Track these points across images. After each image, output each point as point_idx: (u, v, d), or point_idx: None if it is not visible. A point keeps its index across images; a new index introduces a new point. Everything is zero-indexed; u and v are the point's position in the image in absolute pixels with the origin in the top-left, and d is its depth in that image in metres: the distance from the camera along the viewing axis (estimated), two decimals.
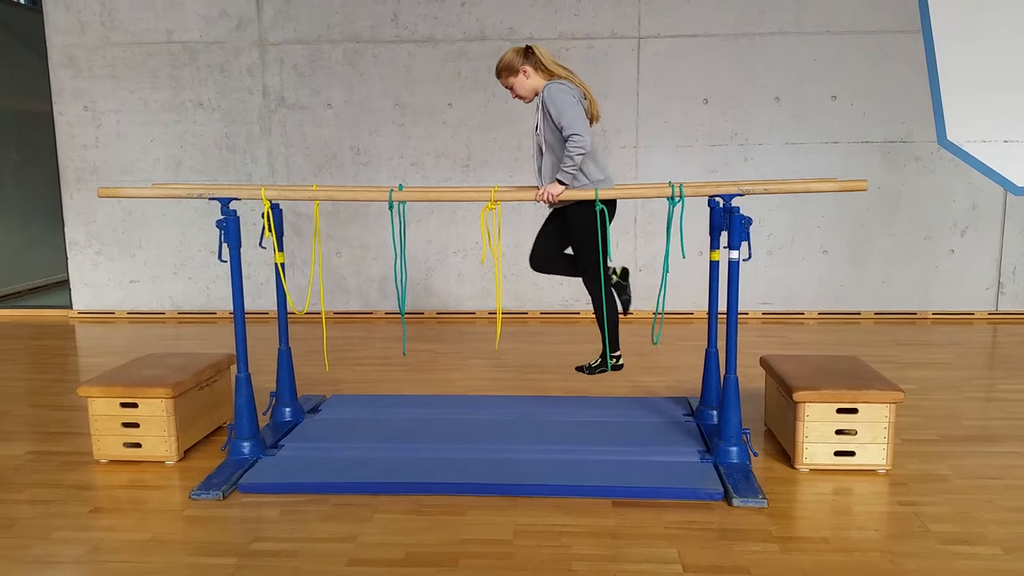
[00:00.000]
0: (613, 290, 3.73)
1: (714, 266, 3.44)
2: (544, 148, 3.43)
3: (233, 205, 3.27)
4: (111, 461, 3.38)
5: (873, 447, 3.17)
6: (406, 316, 6.43)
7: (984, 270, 6.24)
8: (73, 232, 6.65)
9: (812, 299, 6.38)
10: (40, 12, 6.44)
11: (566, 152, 3.28)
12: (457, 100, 6.27)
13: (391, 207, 3.37)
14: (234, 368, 3.49)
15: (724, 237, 3.24)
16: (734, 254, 3.12)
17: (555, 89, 3.34)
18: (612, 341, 3.62)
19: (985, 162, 5.93)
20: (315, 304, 6.27)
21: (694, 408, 3.82)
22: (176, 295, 6.68)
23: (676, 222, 3.25)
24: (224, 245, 3.27)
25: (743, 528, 2.73)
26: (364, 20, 6.21)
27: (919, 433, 3.64)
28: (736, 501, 2.89)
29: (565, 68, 3.47)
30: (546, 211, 3.75)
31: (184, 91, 6.40)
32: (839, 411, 3.16)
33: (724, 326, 3.24)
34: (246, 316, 3.38)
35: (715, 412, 3.61)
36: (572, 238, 3.56)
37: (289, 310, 3.76)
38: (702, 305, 6.05)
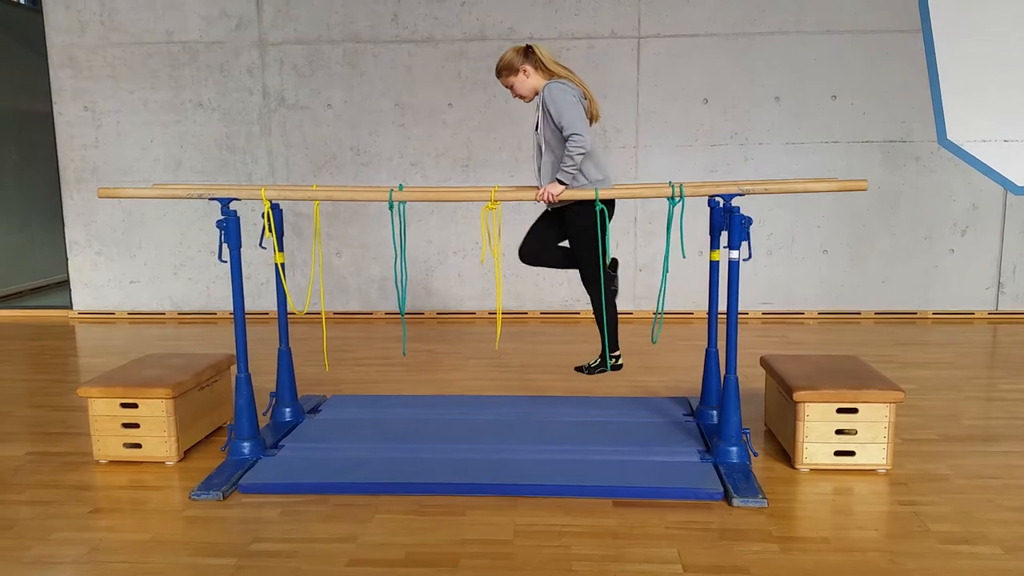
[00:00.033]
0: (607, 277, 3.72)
1: (714, 266, 3.44)
2: (543, 147, 3.43)
3: (233, 205, 3.27)
4: (111, 462, 3.38)
5: (873, 447, 3.16)
6: (406, 316, 6.43)
7: (984, 270, 6.24)
8: (73, 232, 6.65)
9: (812, 299, 6.38)
10: (40, 12, 6.44)
11: (566, 152, 3.28)
12: (457, 100, 6.27)
13: (391, 207, 3.37)
14: (234, 368, 3.49)
15: (724, 237, 3.24)
16: (734, 254, 3.12)
17: (555, 88, 3.34)
18: (611, 341, 3.61)
19: (985, 162, 5.93)
20: (315, 304, 6.27)
21: (694, 408, 3.82)
22: (176, 295, 6.69)
23: (676, 222, 3.25)
24: (224, 245, 3.27)
25: (743, 528, 2.73)
26: (364, 20, 6.21)
27: (919, 433, 3.64)
28: (736, 501, 2.89)
29: (565, 67, 3.46)
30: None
31: (184, 91, 6.40)
32: (839, 411, 3.16)
33: (724, 326, 3.24)
34: (246, 316, 3.38)
35: (715, 412, 3.61)
36: (571, 238, 3.56)
37: (289, 310, 3.76)
38: (702, 305, 6.05)
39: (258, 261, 6.43)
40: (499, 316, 3.61)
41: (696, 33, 6.07)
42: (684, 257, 3.56)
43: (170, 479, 3.23)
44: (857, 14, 5.96)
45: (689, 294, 6.20)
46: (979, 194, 6.10)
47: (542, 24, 6.12)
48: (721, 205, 3.30)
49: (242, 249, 3.31)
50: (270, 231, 3.42)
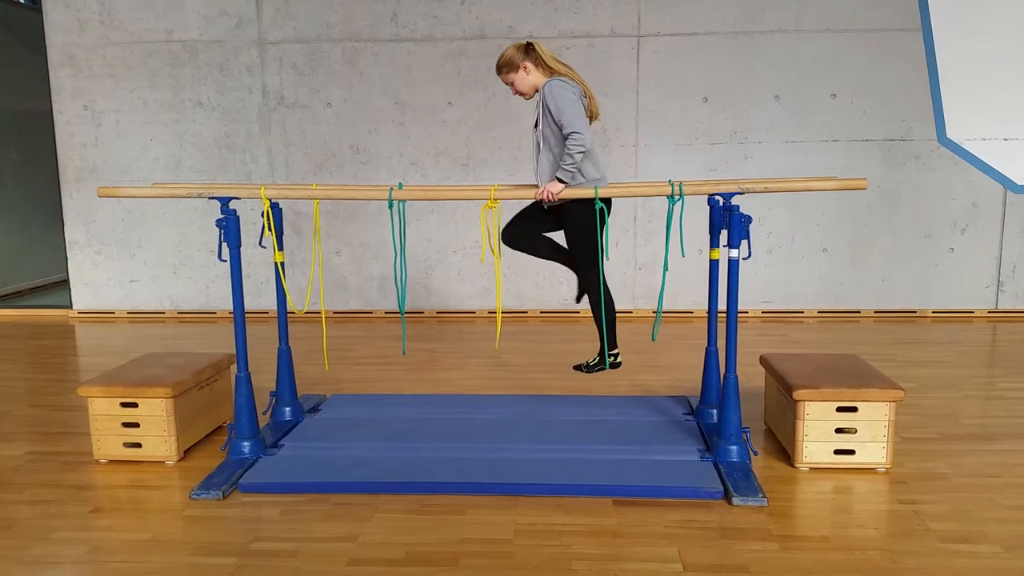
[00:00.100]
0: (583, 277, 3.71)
1: (714, 265, 3.43)
2: (542, 145, 3.43)
3: (233, 204, 3.27)
4: (111, 461, 3.38)
5: (873, 445, 3.17)
6: (406, 315, 6.43)
7: (984, 268, 6.24)
8: (73, 232, 6.65)
9: (812, 297, 6.38)
10: (40, 11, 6.44)
11: (566, 150, 3.28)
12: (457, 99, 6.26)
13: (391, 206, 3.37)
14: (234, 368, 3.49)
15: (724, 236, 3.24)
16: (734, 252, 3.12)
17: (556, 86, 3.34)
18: (610, 339, 3.61)
19: (985, 160, 5.93)
20: (315, 303, 6.27)
21: (694, 407, 3.82)
22: (176, 294, 6.68)
23: (676, 221, 3.24)
24: (224, 244, 3.27)
25: (743, 527, 2.73)
26: (363, 19, 6.21)
27: (919, 431, 3.64)
28: (736, 500, 2.89)
29: (565, 65, 3.46)
30: None
31: (183, 90, 6.39)
32: (839, 409, 3.16)
33: (724, 325, 3.24)
34: (246, 315, 3.38)
35: (715, 411, 3.61)
36: (568, 237, 3.55)
37: (289, 309, 3.76)
38: (702, 304, 6.03)
39: (258, 260, 6.43)
40: (499, 315, 3.61)
41: (696, 32, 6.07)
42: (684, 256, 3.56)
43: (170, 478, 3.23)
44: (857, 12, 5.96)
45: (689, 293, 6.20)
46: (979, 193, 6.10)
47: (542, 23, 6.11)
48: (721, 204, 3.30)
49: (242, 248, 3.31)
50: (270, 230, 3.42)
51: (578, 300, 3.80)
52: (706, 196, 3.42)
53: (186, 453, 3.46)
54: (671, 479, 3.05)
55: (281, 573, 2.48)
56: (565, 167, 3.30)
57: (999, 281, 6.26)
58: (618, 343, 3.66)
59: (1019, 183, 5.96)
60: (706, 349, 3.68)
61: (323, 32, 6.24)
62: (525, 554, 2.57)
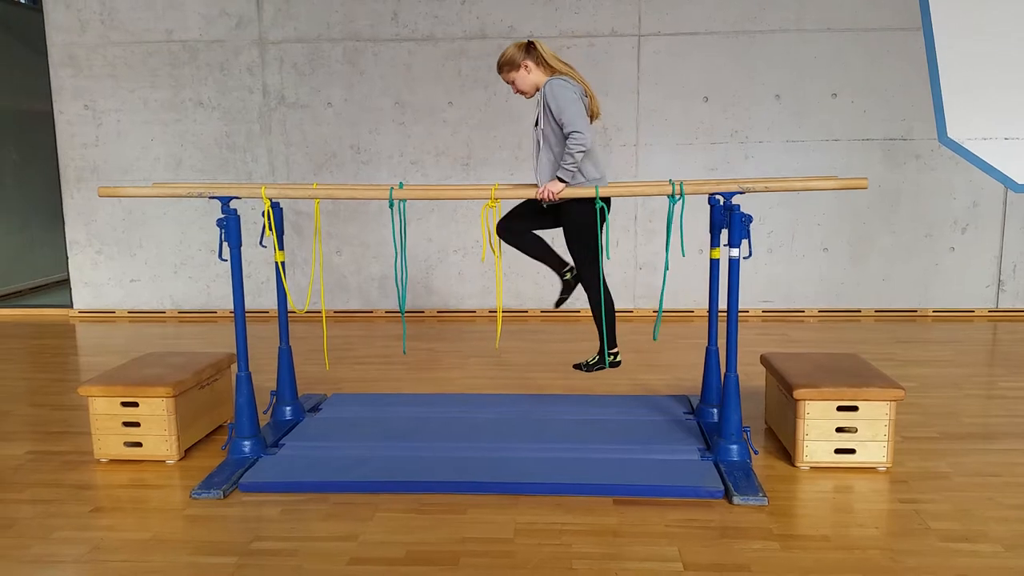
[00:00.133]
0: (566, 280, 3.70)
1: (714, 264, 3.43)
2: (542, 143, 3.43)
3: (233, 204, 3.27)
4: (112, 460, 3.38)
5: (873, 445, 3.17)
6: (406, 315, 6.43)
7: (984, 267, 6.24)
8: (73, 231, 6.65)
9: (812, 297, 6.37)
10: (40, 11, 6.44)
11: (566, 149, 3.28)
12: (457, 98, 6.26)
13: (391, 205, 3.37)
14: (235, 367, 3.49)
15: (724, 235, 3.24)
16: (734, 252, 3.12)
17: (557, 85, 3.34)
18: (610, 338, 3.61)
19: (985, 159, 5.92)
20: (315, 303, 6.27)
21: (694, 406, 3.82)
22: (176, 294, 6.69)
23: (676, 220, 3.24)
24: (224, 244, 3.27)
25: (744, 526, 2.73)
26: (364, 19, 6.21)
27: (919, 431, 3.64)
28: (737, 499, 2.89)
29: (566, 64, 3.46)
30: None
31: (184, 90, 6.40)
32: (839, 409, 3.16)
33: (724, 324, 3.24)
34: (246, 315, 3.38)
35: (715, 410, 3.62)
36: (568, 236, 3.55)
37: (289, 309, 3.76)
38: (702, 303, 6.05)
39: (258, 260, 6.43)
40: (499, 314, 3.61)
41: (696, 31, 6.06)
42: (684, 255, 3.55)
43: (171, 478, 3.23)
44: (857, 12, 5.96)
45: (689, 292, 6.20)
46: (979, 192, 6.10)
47: (542, 22, 6.11)
48: (721, 203, 3.30)
49: (242, 248, 3.31)
50: (270, 230, 3.42)
51: (557, 305, 3.78)
52: (707, 195, 3.42)
53: (187, 452, 3.46)
54: (672, 478, 3.05)
55: (282, 572, 2.48)
56: (566, 166, 3.30)
57: (1000, 280, 6.26)
58: (618, 342, 3.66)
59: (1020, 182, 5.96)
60: (707, 348, 3.68)
61: (324, 32, 6.24)
62: (526, 553, 2.57)
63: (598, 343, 3.67)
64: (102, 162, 6.52)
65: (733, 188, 3.22)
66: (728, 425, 3.20)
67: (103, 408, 3.33)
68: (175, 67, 6.37)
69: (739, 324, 3.21)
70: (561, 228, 3.58)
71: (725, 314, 3.23)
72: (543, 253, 3.68)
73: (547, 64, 3.43)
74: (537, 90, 3.46)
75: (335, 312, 6.59)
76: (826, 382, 3.20)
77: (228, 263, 3.28)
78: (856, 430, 3.17)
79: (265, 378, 4.27)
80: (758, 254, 6.10)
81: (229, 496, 3.03)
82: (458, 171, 6.33)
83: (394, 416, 3.80)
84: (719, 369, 3.63)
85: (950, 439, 3.55)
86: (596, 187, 3.34)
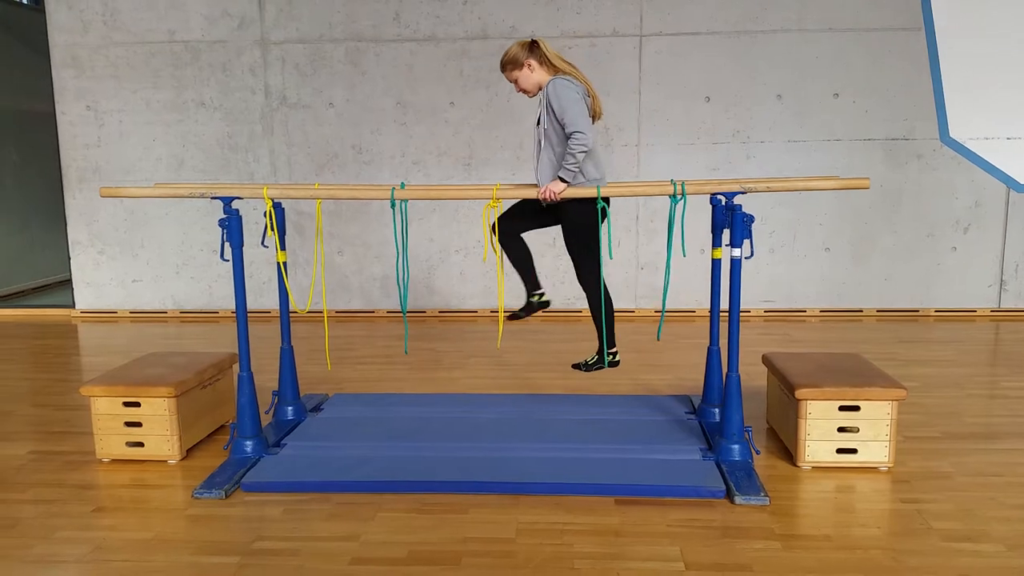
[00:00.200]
0: (531, 301, 3.69)
1: (716, 264, 3.44)
2: (544, 142, 3.43)
3: (235, 204, 3.27)
4: (113, 460, 3.39)
5: (875, 444, 3.16)
6: (408, 315, 6.43)
7: (987, 267, 6.23)
8: (75, 232, 6.66)
9: (814, 297, 6.37)
10: (42, 12, 6.45)
11: (568, 149, 3.28)
12: (459, 99, 6.26)
13: (393, 205, 3.37)
14: (236, 367, 3.49)
15: (726, 235, 3.24)
16: (736, 252, 3.12)
17: (560, 85, 3.34)
18: (609, 338, 3.62)
19: (988, 159, 5.92)
20: (317, 303, 6.27)
21: (696, 406, 3.82)
22: (178, 294, 6.69)
23: (678, 220, 3.24)
24: (226, 244, 3.27)
25: (745, 526, 2.73)
26: (366, 19, 6.21)
27: (921, 430, 3.64)
28: (738, 499, 2.89)
29: (570, 64, 3.47)
30: None
31: (186, 91, 6.40)
32: (841, 408, 3.16)
33: (726, 324, 3.24)
34: (248, 315, 3.38)
35: (717, 410, 3.61)
36: (568, 237, 3.55)
37: (291, 309, 3.76)
38: (704, 303, 6.06)
39: (260, 260, 6.43)
40: (501, 314, 3.61)
41: (698, 31, 6.06)
42: (685, 256, 3.55)
43: (172, 478, 3.24)
44: (859, 12, 5.95)
45: (691, 292, 6.20)
46: (981, 192, 6.10)
47: (544, 22, 6.11)
48: (723, 203, 3.30)
49: (244, 248, 3.31)
50: (272, 230, 3.42)
51: (511, 318, 3.74)
52: (708, 196, 3.42)
53: (188, 452, 3.46)
54: (673, 478, 3.05)
55: (283, 572, 2.48)
56: (567, 166, 3.30)
57: (1002, 280, 6.25)
58: (621, 342, 3.65)
59: (1022, 182, 5.95)
60: (708, 348, 3.68)
61: (325, 32, 6.25)
62: (527, 553, 2.57)
63: (597, 343, 3.67)
64: (104, 163, 6.52)
65: (735, 188, 3.22)
66: (730, 425, 3.20)
67: (105, 408, 3.34)
68: (177, 68, 6.37)
69: (741, 324, 3.21)
70: (560, 227, 3.58)
71: (727, 314, 3.22)
72: (526, 268, 3.65)
73: (550, 63, 3.44)
74: (540, 89, 3.47)
75: (337, 312, 6.60)
76: (828, 382, 3.20)
77: (230, 263, 3.28)
78: (858, 430, 3.16)
79: (267, 378, 4.27)
80: (760, 254, 6.10)
81: (231, 496, 3.03)
82: (460, 171, 6.34)
83: (396, 416, 3.80)
84: (721, 369, 3.63)
85: (952, 439, 3.55)
86: (598, 187, 3.34)
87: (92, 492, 3.11)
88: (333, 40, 6.26)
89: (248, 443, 3.32)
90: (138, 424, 3.34)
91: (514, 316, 3.72)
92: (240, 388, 3.32)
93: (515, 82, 3.52)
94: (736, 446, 3.19)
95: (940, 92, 5.88)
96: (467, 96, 6.25)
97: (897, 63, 5.98)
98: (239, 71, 6.34)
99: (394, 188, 3.32)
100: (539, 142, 3.46)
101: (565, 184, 3.34)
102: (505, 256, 3.63)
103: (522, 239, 3.64)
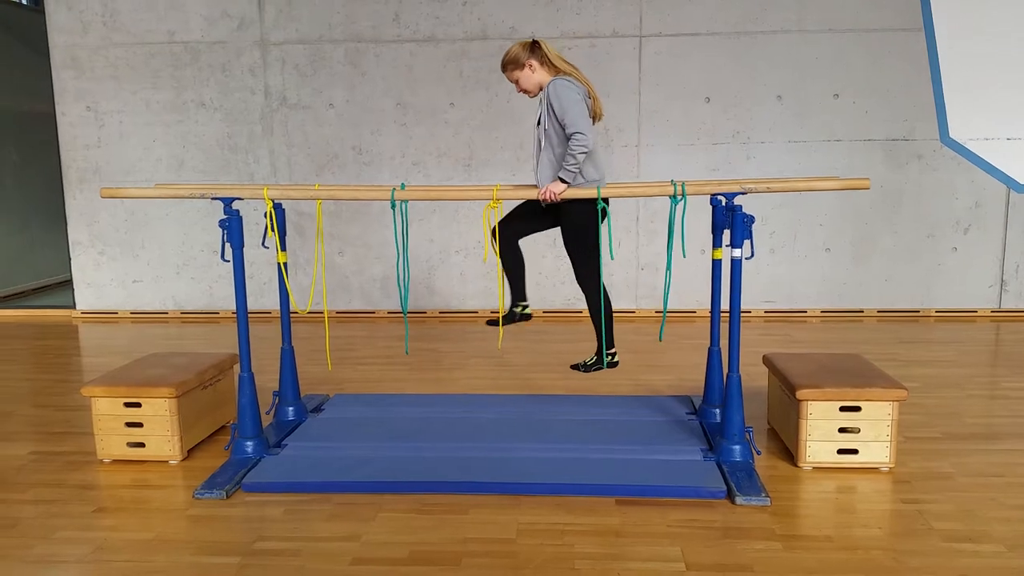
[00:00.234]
0: (514, 310, 3.69)
1: (716, 264, 3.44)
2: (544, 143, 3.44)
3: (236, 205, 3.28)
4: (114, 461, 3.39)
5: (876, 445, 3.16)
6: (408, 315, 6.42)
7: (987, 268, 6.23)
8: (76, 232, 6.66)
9: (815, 297, 6.37)
10: (42, 13, 6.45)
11: (568, 150, 3.28)
12: (459, 99, 6.27)
13: (393, 206, 3.37)
14: (237, 368, 3.49)
15: (726, 235, 3.24)
16: (736, 252, 3.12)
17: (561, 85, 3.34)
18: (608, 339, 3.62)
19: (988, 160, 5.92)
20: (318, 303, 6.27)
21: (697, 406, 3.82)
22: (179, 295, 6.69)
23: (678, 221, 3.24)
24: (227, 245, 3.27)
25: (746, 526, 2.73)
26: (366, 20, 6.22)
27: (922, 431, 3.64)
28: (739, 499, 2.89)
29: (571, 65, 3.47)
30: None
31: (186, 91, 6.40)
32: (842, 409, 3.16)
33: (727, 324, 3.24)
34: (249, 315, 3.39)
35: (718, 410, 3.61)
36: (566, 237, 3.55)
37: (292, 309, 3.76)
38: (705, 303, 6.05)
39: (260, 260, 6.44)
40: (501, 315, 3.61)
41: (698, 32, 6.06)
42: (684, 256, 3.55)
43: (173, 478, 3.24)
44: (859, 12, 5.96)
45: (692, 293, 6.20)
46: (982, 192, 6.10)
47: (544, 23, 6.11)
48: (723, 204, 3.30)
49: (244, 248, 3.31)
50: (272, 230, 3.42)
51: (489, 323, 3.74)
52: (709, 196, 3.42)
53: (189, 453, 3.46)
54: (674, 478, 3.05)
55: (284, 572, 2.49)
56: (568, 167, 3.30)
57: (1002, 281, 6.25)
58: (622, 343, 3.66)
59: (1022, 183, 5.95)
60: (709, 349, 3.68)
61: (325, 33, 6.25)
62: (528, 553, 2.57)
63: (596, 344, 3.67)
64: (104, 163, 6.52)
65: (735, 189, 3.22)
66: (730, 425, 3.20)
67: (106, 409, 3.34)
68: (177, 68, 6.38)
69: (741, 324, 3.21)
70: (560, 228, 3.58)
71: (727, 314, 3.22)
72: (516, 276, 3.65)
73: (551, 64, 3.44)
74: (541, 89, 3.47)
75: (337, 312, 6.60)
76: (829, 382, 3.20)
77: (230, 264, 3.28)
78: (859, 430, 3.16)
79: (267, 378, 4.27)
80: (760, 254, 6.10)
81: (232, 496, 3.03)
82: (460, 172, 6.34)
83: (396, 416, 3.80)
84: (721, 369, 3.63)
85: (953, 439, 3.55)
86: (598, 188, 3.34)
87: (93, 492, 3.11)
88: (333, 41, 6.26)
89: (249, 443, 3.32)
90: (139, 424, 3.34)
91: (493, 323, 3.73)
92: (241, 389, 3.32)
93: (516, 82, 3.53)
94: (737, 447, 3.20)
95: (940, 93, 5.89)
96: (467, 97, 6.25)
97: (897, 64, 5.98)
98: (239, 72, 6.34)
99: (394, 189, 3.33)
100: (539, 142, 3.47)
101: (565, 185, 3.34)
102: (501, 259, 3.63)
103: (519, 248, 3.65)
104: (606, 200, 3.39)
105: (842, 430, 3.17)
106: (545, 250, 6.09)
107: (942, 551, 2.55)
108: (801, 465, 3.21)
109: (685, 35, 6.07)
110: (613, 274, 6.28)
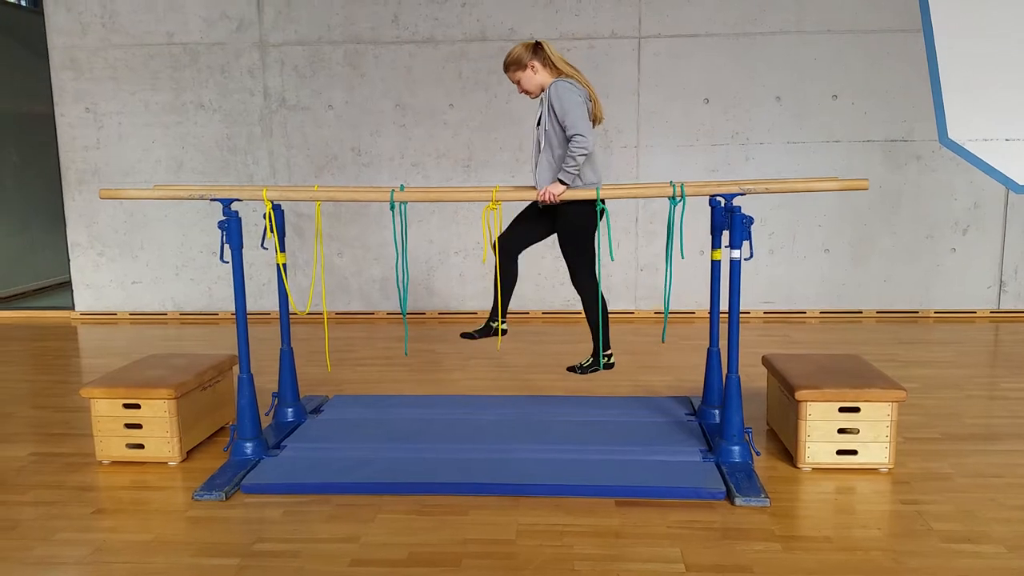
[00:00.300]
0: (491, 324, 3.69)
1: (716, 265, 3.44)
2: (543, 143, 3.44)
3: (235, 206, 3.28)
4: (114, 462, 3.39)
5: (875, 446, 3.16)
6: (408, 316, 6.43)
7: (986, 269, 6.24)
8: (75, 234, 6.66)
9: (814, 298, 6.37)
10: (41, 14, 6.45)
11: (568, 152, 3.29)
12: (458, 101, 6.27)
13: (392, 207, 3.37)
14: (236, 369, 3.49)
15: (726, 236, 3.24)
16: (736, 253, 3.12)
17: (562, 87, 3.35)
18: (604, 340, 3.63)
19: (986, 160, 5.92)
20: (317, 304, 6.27)
21: (696, 407, 3.82)
22: (178, 296, 6.69)
23: (677, 222, 3.25)
24: (226, 246, 3.27)
25: (746, 527, 2.73)
26: (365, 21, 6.22)
27: (921, 432, 3.64)
28: (739, 500, 2.89)
29: (573, 67, 3.48)
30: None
31: (185, 92, 6.40)
32: (841, 410, 3.16)
33: (726, 325, 3.24)
34: (248, 317, 3.39)
35: (717, 411, 3.61)
36: (562, 239, 3.56)
37: (291, 310, 3.77)
38: (704, 304, 6.05)
39: (260, 262, 6.43)
40: (500, 316, 3.61)
41: (697, 33, 6.07)
42: (683, 257, 3.55)
43: (173, 479, 3.24)
44: (858, 14, 5.96)
45: (691, 293, 6.19)
46: (981, 193, 6.10)
47: (543, 24, 6.12)
48: (722, 205, 3.30)
49: (244, 250, 3.31)
50: (271, 232, 3.42)
51: (463, 335, 3.74)
52: (707, 197, 3.42)
53: (189, 454, 3.46)
54: (673, 479, 3.05)
55: (284, 574, 2.48)
56: (568, 169, 3.31)
57: (1001, 281, 6.26)
58: (621, 344, 3.66)
59: (1021, 183, 5.96)
60: (708, 349, 3.68)
61: (324, 34, 6.25)
62: (527, 555, 2.57)
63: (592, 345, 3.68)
64: (103, 164, 6.52)
65: (734, 190, 3.22)
66: (730, 426, 3.21)
67: (105, 410, 3.34)
68: (176, 70, 6.38)
69: (740, 325, 3.21)
70: (556, 234, 3.59)
71: (727, 315, 3.23)
72: (506, 293, 3.64)
73: (553, 66, 3.45)
74: (542, 91, 3.48)
75: (336, 314, 6.60)
76: (828, 383, 3.20)
77: (229, 265, 3.28)
78: (858, 431, 3.17)
79: (267, 380, 4.27)
80: (759, 255, 6.10)
81: (231, 498, 3.03)
82: (459, 173, 6.34)
83: (396, 418, 3.80)
84: (721, 370, 3.63)
85: (952, 440, 3.55)
86: (597, 189, 3.35)
87: (92, 494, 3.11)
88: (332, 42, 6.26)
89: (248, 445, 3.32)
90: (138, 426, 3.34)
91: (467, 336, 3.74)
92: (240, 390, 3.32)
93: (518, 83, 3.53)
94: (736, 447, 3.20)
95: (939, 94, 5.89)
96: (466, 98, 6.26)
97: (896, 65, 5.98)
98: (238, 73, 6.35)
99: (393, 190, 3.33)
100: (538, 143, 3.47)
101: (564, 186, 3.34)
102: (495, 273, 3.62)
103: (517, 264, 3.65)
104: (603, 201, 3.39)
105: (841, 431, 3.17)
106: (545, 251, 6.06)
107: (941, 552, 2.55)
108: (800, 466, 3.21)
109: (684, 36, 6.08)
110: (612, 275, 6.29)
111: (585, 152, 3.27)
